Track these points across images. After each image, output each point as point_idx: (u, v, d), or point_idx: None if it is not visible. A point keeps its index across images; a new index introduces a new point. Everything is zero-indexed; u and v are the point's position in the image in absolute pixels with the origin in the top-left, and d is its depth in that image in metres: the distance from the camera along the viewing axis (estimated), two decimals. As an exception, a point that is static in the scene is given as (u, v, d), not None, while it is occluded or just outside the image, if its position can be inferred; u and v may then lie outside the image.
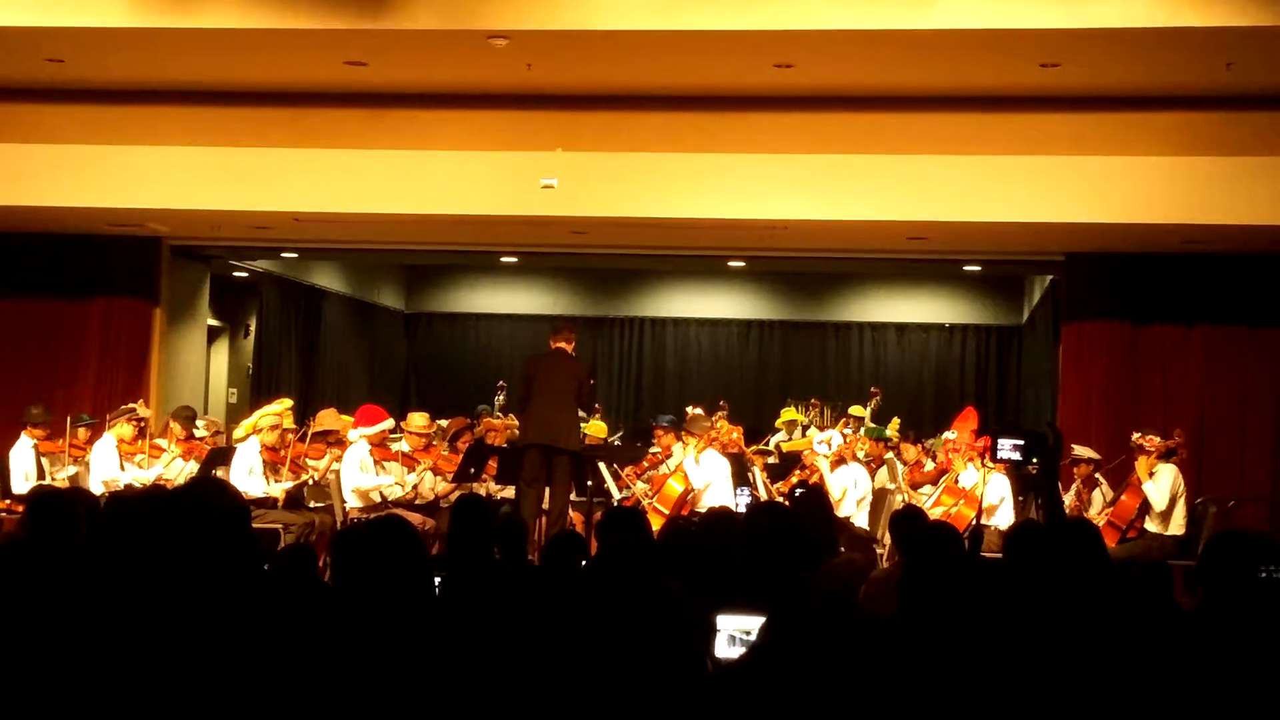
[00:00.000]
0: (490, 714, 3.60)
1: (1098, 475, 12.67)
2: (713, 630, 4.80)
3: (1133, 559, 11.02)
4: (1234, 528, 9.92)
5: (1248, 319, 13.72)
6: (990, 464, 11.67)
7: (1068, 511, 12.04)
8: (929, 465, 13.71)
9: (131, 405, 12.84)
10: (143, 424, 12.79)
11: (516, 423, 14.16)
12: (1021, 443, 5.64)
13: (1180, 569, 10.75)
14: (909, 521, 7.89)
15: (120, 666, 3.72)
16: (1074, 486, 12.63)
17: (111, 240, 14.60)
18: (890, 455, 14.35)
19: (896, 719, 2.88)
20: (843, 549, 9.26)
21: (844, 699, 2.43)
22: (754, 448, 14.35)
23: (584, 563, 6.72)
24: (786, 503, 11.04)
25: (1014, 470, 12.87)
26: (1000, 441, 5.68)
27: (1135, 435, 12.18)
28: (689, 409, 14.42)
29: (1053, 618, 4.48)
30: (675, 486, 12.55)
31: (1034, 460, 5.65)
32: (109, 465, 12.29)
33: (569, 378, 12.24)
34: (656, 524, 9.66)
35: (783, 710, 2.37)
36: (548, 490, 12.09)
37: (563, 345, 12.47)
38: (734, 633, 4.84)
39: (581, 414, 15.19)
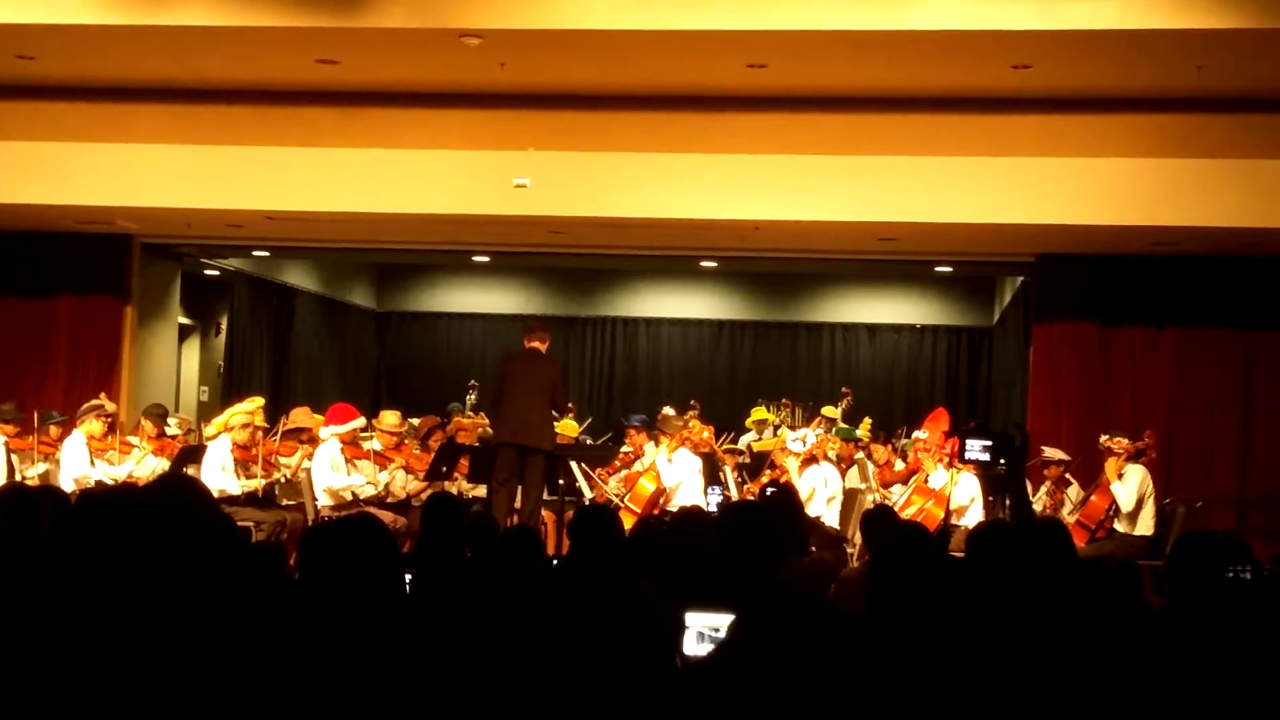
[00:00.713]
0: (460, 712, 3.60)
1: (1068, 476, 12.72)
2: (681, 627, 4.81)
3: (1101, 559, 11.06)
4: (1202, 528, 9.97)
5: (1217, 321, 13.81)
6: (959, 465, 11.70)
7: (1040, 512, 12.10)
8: (899, 465, 13.74)
9: (98, 401, 12.79)
10: (111, 420, 12.75)
11: (487, 421, 14.14)
12: (990, 443, 5.66)
13: (1149, 569, 10.80)
14: (879, 521, 7.93)
15: (87, 664, 3.72)
16: (1045, 487, 12.68)
17: (82, 238, 14.56)
18: (861, 455, 14.38)
19: (863, 717, 2.89)
20: (813, 548, 9.28)
21: (812, 696, 2.44)
22: (724, 445, 14.37)
23: (542, 561, 6.72)
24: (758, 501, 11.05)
25: (983, 471, 12.93)
26: (969, 443, 5.71)
27: (1103, 438, 12.22)
28: (662, 409, 14.42)
29: (1021, 617, 4.50)
30: (647, 486, 12.56)
31: (1001, 461, 5.67)
32: (79, 462, 12.25)
33: (542, 378, 12.17)
34: (629, 523, 9.66)
35: (751, 707, 2.38)
36: (519, 489, 12.06)
37: (536, 345, 12.40)
38: (702, 630, 4.85)
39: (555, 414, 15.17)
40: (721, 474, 13.31)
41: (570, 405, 16.74)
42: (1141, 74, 11.41)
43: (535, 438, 12.05)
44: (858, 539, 10.90)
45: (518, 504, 12.05)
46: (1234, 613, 5.04)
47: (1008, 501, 8.39)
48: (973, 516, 12.01)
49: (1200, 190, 12.10)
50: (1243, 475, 13.75)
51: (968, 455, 5.76)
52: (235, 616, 3.93)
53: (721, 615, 4.85)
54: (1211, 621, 4.97)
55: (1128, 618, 5.13)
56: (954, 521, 11.99)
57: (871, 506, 11.50)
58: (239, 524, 11.38)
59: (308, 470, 12.51)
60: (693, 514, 8.01)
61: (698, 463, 12.84)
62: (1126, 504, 11.84)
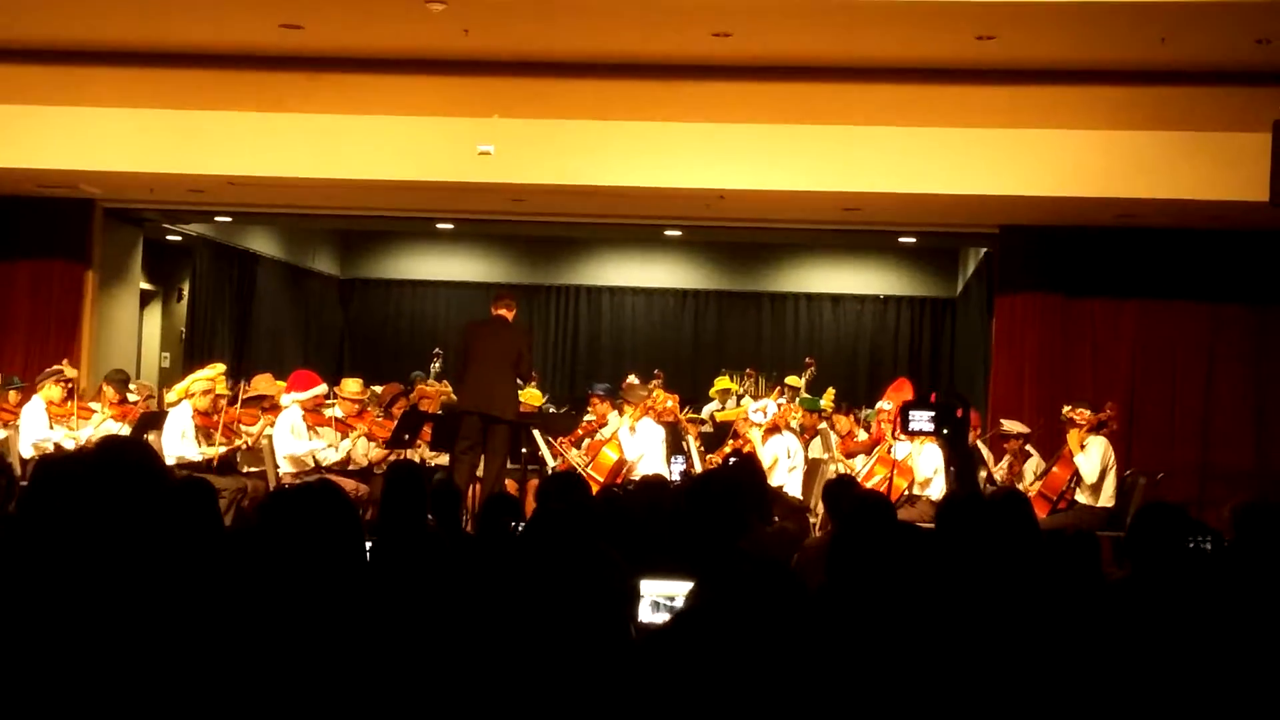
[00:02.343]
0: (418, 678, 3.60)
1: (1029, 448, 12.78)
2: (637, 595, 4.81)
3: (1062, 529, 11.10)
4: (1163, 499, 10.04)
5: (1179, 293, 13.88)
6: (903, 435, 11.72)
7: (1000, 483, 12.16)
8: (862, 436, 13.78)
9: (58, 366, 12.72)
10: (71, 385, 12.68)
11: (451, 389, 14.10)
12: (933, 414, 5.67)
13: (1109, 540, 10.87)
14: (841, 491, 7.95)
15: (48, 631, 3.70)
16: (1006, 459, 12.74)
17: (43, 202, 14.46)
18: (824, 425, 14.40)
19: (821, 685, 2.90)
20: (776, 518, 9.29)
21: (769, 664, 2.44)
22: (687, 415, 14.38)
23: (517, 526, 6.71)
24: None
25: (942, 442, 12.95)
26: (912, 413, 5.72)
27: (1065, 409, 12.27)
28: (626, 378, 14.43)
29: (981, 587, 4.51)
30: (610, 455, 12.56)
31: (945, 431, 5.68)
32: (38, 427, 12.19)
33: (508, 346, 12.12)
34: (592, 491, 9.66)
35: (708, 675, 2.38)
36: (482, 458, 12.03)
37: (503, 313, 12.36)
38: (657, 598, 4.85)
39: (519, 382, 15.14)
40: (685, 444, 13.32)
41: (535, 374, 16.75)
42: (1105, 46, 11.43)
43: (500, 407, 12.01)
44: (820, 509, 10.91)
45: (480, 472, 12.03)
46: (1194, 583, 5.07)
47: (952, 470, 8.42)
48: (936, 488, 12.04)
49: (1164, 162, 12.14)
50: (1203, 447, 13.83)
51: (911, 426, 5.77)
52: (196, 586, 3.92)
53: (676, 583, 4.85)
54: (1172, 592, 4.99)
55: (1087, 588, 5.16)
56: (919, 492, 12.04)
57: (833, 477, 11.53)
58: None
59: (269, 437, 12.47)
60: (653, 483, 8.02)
61: (661, 432, 12.84)
62: (1090, 475, 11.89)
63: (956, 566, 4.39)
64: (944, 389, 18.88)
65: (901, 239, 17.72)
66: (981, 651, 3.90)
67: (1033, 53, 11.74)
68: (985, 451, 13.02)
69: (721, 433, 14.10)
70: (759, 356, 20.49)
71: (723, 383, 17.52)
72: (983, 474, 12.43)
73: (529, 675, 3.39)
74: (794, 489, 12.62)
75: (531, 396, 14.95)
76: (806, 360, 16.67)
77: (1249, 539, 6.14)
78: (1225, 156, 11.95)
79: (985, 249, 15.96)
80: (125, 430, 12.39)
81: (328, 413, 12.75)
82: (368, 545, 4.69)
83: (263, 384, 13.00)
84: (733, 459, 11.86)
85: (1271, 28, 10.71)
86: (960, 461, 5.70)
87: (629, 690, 2.40)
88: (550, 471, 12.10)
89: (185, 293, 19.39)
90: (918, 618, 3.84)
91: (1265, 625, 4.70)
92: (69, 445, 11.73)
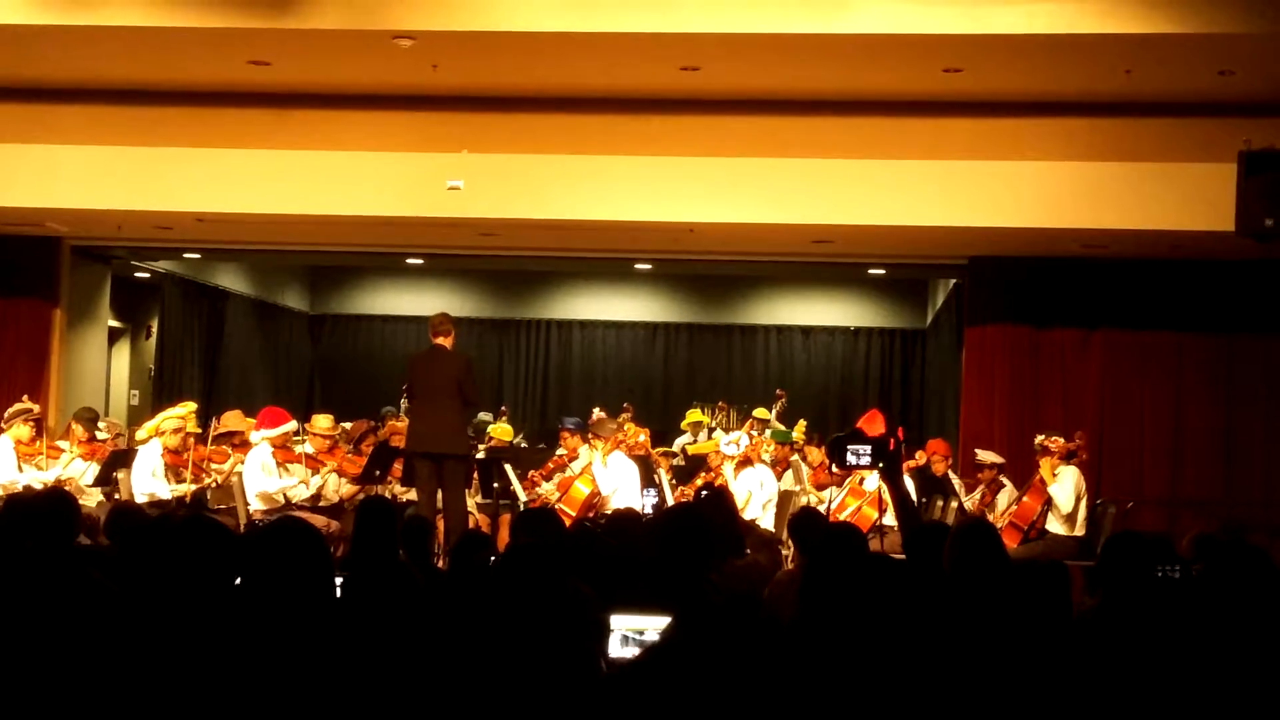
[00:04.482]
0: (390, 712, 3.59)
1: (1003, 478, 12.81)
2: (607, 630, 4.80)
3: (1033, 559, 11.13)
4: (1133, 528, 10.07)
5: (1146, 323, 13.94)
6: (837, 470, 11.72)
7: (970, 512, 12.18)
8: (834, 468, 13.79)
9: (23, 405, 12.63)
10: (39, 424, 12.60)
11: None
12: (869, 447, 5.71)
13: (1079, 569, 10.88)
14: (807, 523, 7.96)
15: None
16: (979, 489, 12.77)
17: (10, 240, 14.40)
18: (796, 458, 14.42)
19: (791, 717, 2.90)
20: (749, 551, 9.29)
21: (739, 697, 2.44)
22: (659, 450, 14.38)
23: (491, 560, 6.70)
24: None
25: (918, 472, 13.00)
26: (849, 448, 5.75)
27: (1039, 437, 12.31)
28: (596, 411, 14.42)
29: (953, 618, 4.52)
30: (582, 489, 12.55)
31: (880, 465, 5.72)
32: (7, 467, 12.12)
33: (448, 376, 11.80)
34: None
35: (678, 709, 2.38)
36: (440, 496, 11.70)
37: (442, 342, 12.04)
38: (627, 633, 4.84)
39: (486, 415, 15.11)
40: (656, 476, 13.32)
41: (504, 408, 16.72)
42: (1071, 78, 11.49)
43: (447, 444, 11.73)
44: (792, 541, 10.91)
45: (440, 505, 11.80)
46: (1163, 612, 5.09)
47: (924, 501, 8.42)
48: (906, 518, 12.03)
49: (1130, 193, 12.21)
50: (1173, 476, 13.88)
51: (849, 460, 5.80)
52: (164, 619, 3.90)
53: (647, 618, 4.84)
54: (1142, 620, 5.01)
55: (1057, 618, 5.17)
56: (890, 523, 12.04)
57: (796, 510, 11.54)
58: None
59: (239, 474, 12.41)
60: (625, 516, 8.01)
61: (633, 467, 12.83)
62: (1065, 504, 11.91)
63: (926, 596, 4.39)
64: (912, 420, 18.94)
65: (871, 271, 17.78)
66: (955, 682, 3.90)
67: (1000, 85, 11.80)
68: (957, 482, 13.05)
69: (694, 466, 14.10)
70: (730, 389, 20.53)
71: (694, 415, 17.54)
72: (954, 504, 12.46)
73: (499, 709, 3.38)
74: (766, 522, 12.63)
75: (502, 431, 14.93)
76: (778, 392, 16.70)
77: (1214, 569, 6.16)
78: (1191, 187, 12.00)
79: (955, 280, 16.01)
80: (94, 469, 12.33)
81: (298, 449, 12.70)
82: (339, 581, 4.68)
83: (232, 420, 12.95)
84: (704, 492, 11.86)
85: (1234, 59, 10.80)
86: (895, 495, 5.73)
87: (599, 725, 2.40)
88: (522, 506, 12.07)
89: (154, 330, 19.32)
90: (891, 649, 3.84)
91: (1232, 653, 4.71)
92: (37, 486, 11.67)
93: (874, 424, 13.27)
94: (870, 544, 8.05)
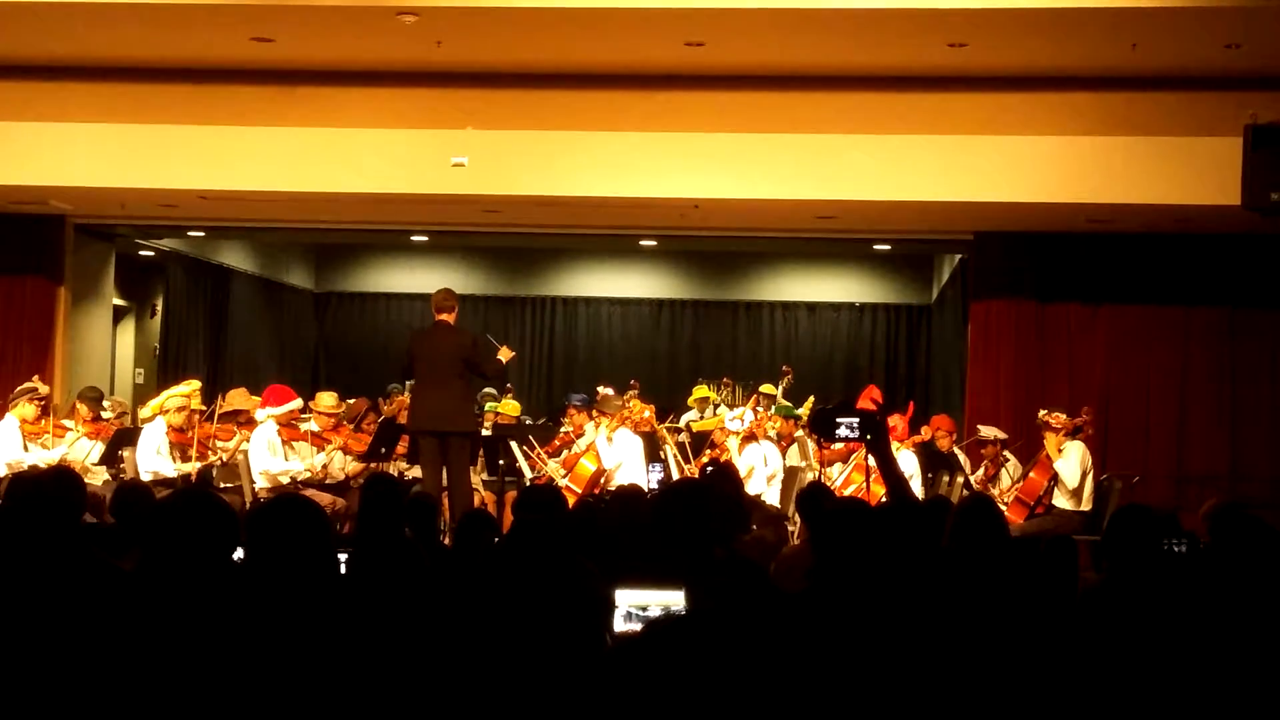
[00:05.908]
0: (396, 689, 3.59)
1: (1006, 453, 12.79)
2: (611, 605, 4.80)
3: (1040, 534, 11.14)
4: (1138, 503, 10.05)
5: (1152, 298, 13.93)
6: (826, 444, 11.70)
7: (976, 489, 12.17)
8: (820, 440, 13.76)
9: (31, 384, 12.63)
10: (45, 403, 12.60)
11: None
12: (858, 420, 5.70)
13: (1086, 544, 10.88)
14: (813, 498, 7.96)
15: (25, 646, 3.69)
16: (983, 465, 12.77)
17: (14, 218, 14.39)
18: (801, 433, 14.40)
19: (799, 691, 2.89)
20: (754, 526, 9.29)
21: (749, 672, 2.43)
22: (666, 425, 14.38)
23: (495, 540, 6.71)
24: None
25: (923, 448, 12.99)
26: (839, 420, 5.73)
27: (1041, 413, 12.29)
28: (600, 388, 14.40)
29: (960, 593, 4.52)
30: (588, 466, 12.55)
31: (868, 437, 5.71)
32: (12, 446, 12.12)
33: (452, 353, 11.67)
34: (569, 502, 9.65)
35: (683, 683, 2.37)
36: (445, 474, 11.57)
37: (445, 318, 11.91)
38: (630, 609, 4.83)
39: (493, 390, 15.06)
40: (662, 453, 13.31)
41: (510, 386, 16.70)
42: (1077, 52, 11.46)
43: (451, 421, 11.62)
44: (799, 517, 10.91)
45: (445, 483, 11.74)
46: (1169, 585, 5.08)
47: (929, 476, 8.41)
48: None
49: (1136, 168, 12.19)
50: (1179, 450, 13.88)
51: (840, 433, 5.77)
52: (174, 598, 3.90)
53: (650, 593, 4.84)
54: (1148, 594, 5.00)
55: (1064, 591, 5.17)
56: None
57: (804, 485, 11.52)
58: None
59: (245, 453, 12.40)
60: (630, 493, 8.01)
61: (638, 442, 12.83)
62: (1071, 480, 11.89)
63: (931, 569, 4.39)
64: (918, 396, 18.91)
65: (876, 246, 17.76)
66: (962, 656, 3.89)
67: (1005, 60, 11.77)
68: (963, 458, 13.04)
69: (700, 442, 14.09)
70: (735, 365, 20.48)
71: (701, 391, 17.53)
72: (959, 480, 12.44)
73: (505, 685, 3.38)
74: (772, 497, 12.62)
75: (509, 408, 14.93)
76: (784, 368, 16.68)
77: (1225, 541, 6.15)
78: (1197, 161, 11.98)
79: (960, 255, 15.98)
80: (99, 448, 12.33)
81: (303, 427, 12.69)
82: (343, 558, 4.67)
83: (237, 399, 12.95)
84: (710, 468, 11.86)
85: (1240, 33, 10.77)
86: (883, 467, 5.71)
87: (603, 700, 2.39)
88: (528, 483, 12.07)
89: (158, 308, 19.31)
90: (900, 621, 3.84)
91: (1240, 627, 4.71)
92: (43, 465, 11.67)
93: (864, 399, 13.30)
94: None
